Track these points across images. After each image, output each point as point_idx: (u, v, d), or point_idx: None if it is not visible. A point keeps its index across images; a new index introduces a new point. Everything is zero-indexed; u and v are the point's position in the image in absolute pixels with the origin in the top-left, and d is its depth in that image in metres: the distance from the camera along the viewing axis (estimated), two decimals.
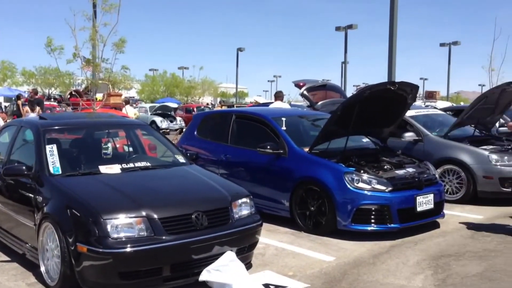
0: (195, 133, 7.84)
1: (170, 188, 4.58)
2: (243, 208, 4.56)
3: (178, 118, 28.01)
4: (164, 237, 3.90)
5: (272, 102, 12.42)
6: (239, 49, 49.04)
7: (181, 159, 5.36)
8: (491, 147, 7.91)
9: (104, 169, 4.69)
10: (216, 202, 4.39)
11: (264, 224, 5.36)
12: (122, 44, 9.40)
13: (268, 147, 6.36)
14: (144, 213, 3.94)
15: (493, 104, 8.24)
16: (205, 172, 5.15)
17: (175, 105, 34.20)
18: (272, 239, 5.71)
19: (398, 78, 13.79)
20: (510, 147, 7.93)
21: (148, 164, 5.02)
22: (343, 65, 39.02)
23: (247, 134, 7.15)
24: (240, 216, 4.48)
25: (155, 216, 3.95)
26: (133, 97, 50.15)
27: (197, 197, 4.46)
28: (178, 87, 55.52)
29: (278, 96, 10.62)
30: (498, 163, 7.40)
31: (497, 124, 9.56)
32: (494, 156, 7.49)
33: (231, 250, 4.23)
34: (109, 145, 5.33)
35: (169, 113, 29.03)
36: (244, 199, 4.61)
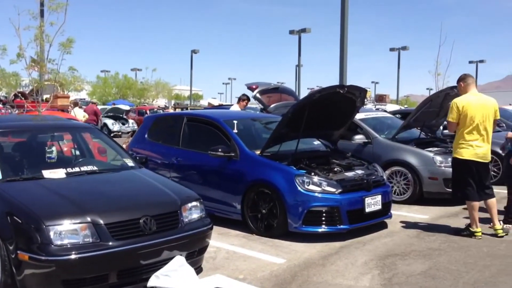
0: (146, 136, 7.71)
1: (117, 193, 4.48)
2: (193, 212, 4.52)
3: (130, 121, 27.52)
4: (110, 243, 3.80)
5: (232, 105, 12.33)
6: (193, 51, 48.68)
7: (130, 162, 5.26)
8: (436, 149, 8.21)
9: (47, 173, 4.53)
10: (165, 206, 4.33)
11: (216, 227, 5.34)
12: (69, 44, 9.09)
13: (220, 150, 6.33)
14: (89, 219, 3.83)
15: (438, 107, 8.54)
16: (154, 176, 5.07)
17: (127, 108, 33.57)
18: (223, 242, 5.69)
19: (351, 82, 14.07)
20: None
21: (95, 168, 4.89)
22: (297, 68, 39.53)
23: (198, 137, 7.10)
24: (190, 220, 4.43)
25: (101, 221, 3.85)
26: (84, 98, 48.86)
27: (145, 201, 4.37)
28: (131, 89, 54.61)
29: (240, 99, 10.42)
30: (442, 165, 7.68)
31: (441, 127, 9.91)
32: (438, 158, 7.77)
33: (181, 255, 4.18)
34: (54, 148, 5.14)
35: (121, 115, 28.46)
36: (194, 203, 4.56)
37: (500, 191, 7.35)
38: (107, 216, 3.92)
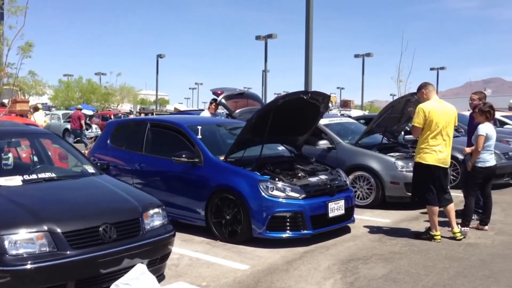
0: (108, 141, 7.57)
1: (76, 200, 4.36)
2: (155, 219, 4.45)
3: (94, 126, 26.99)
4: (68, 252, 3.71)
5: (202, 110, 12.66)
6: (159, 56, 48.22)
7: (91, 169, 5.15)
8: (397, 154, 8.37)
9: (3, 181, 4.38)
10: (126, 214, 4.25)
11: (180, 234, 5.28)
12: (29, 48, 8.85)
13: (183, 155, 6.27)
14: (46, 227, 3.73)
15: (399, 113, 8.73)
16: (115, 182, 4.98)
17: (90, 112, 32.92)
18: (187, 249, 5.63)
19: (318, 87, 14.27)
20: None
21: (53, 175, 4.76)
22: (264, 73, 39.69)
23: (162, 143, 7.02)
24: (151, 227, 4.37)
25: (58, 230, 3.75)
26: (46, 103, 47.68)
27: (106, 208, 4.28)
28: (95, 93, 53.51)
29: (210, 103, 10.72)
30: (403, 169, 7.84)
31: (402, 132, 10.13)
32: (400, 163, 7.92)
33: (142, 263, 4.11)
34: (10, 155, 4.98)
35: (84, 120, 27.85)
36: (156, 210, 4.50)
37: (459, 194, 7.55)
38: (65, 224, 3.82)
